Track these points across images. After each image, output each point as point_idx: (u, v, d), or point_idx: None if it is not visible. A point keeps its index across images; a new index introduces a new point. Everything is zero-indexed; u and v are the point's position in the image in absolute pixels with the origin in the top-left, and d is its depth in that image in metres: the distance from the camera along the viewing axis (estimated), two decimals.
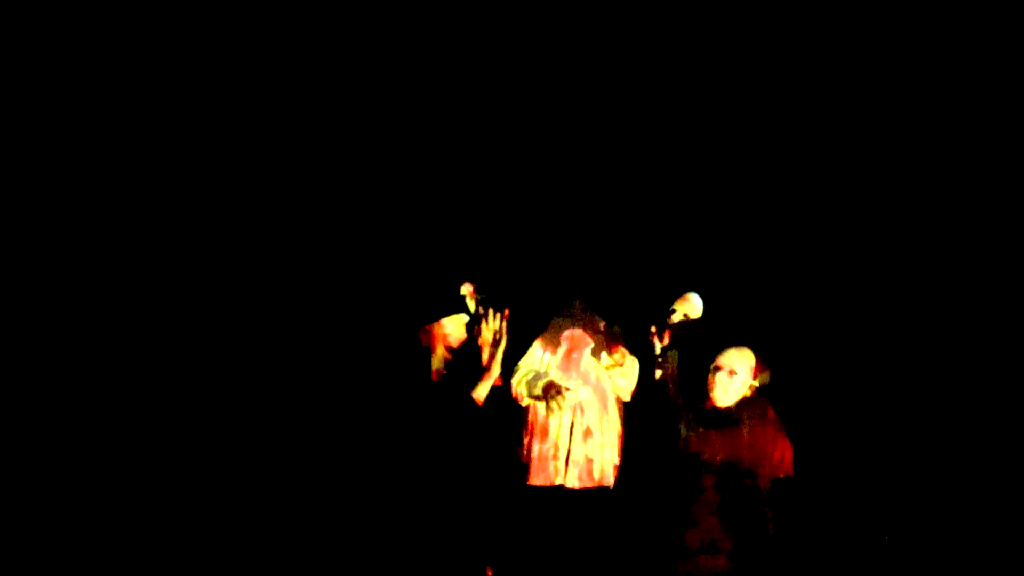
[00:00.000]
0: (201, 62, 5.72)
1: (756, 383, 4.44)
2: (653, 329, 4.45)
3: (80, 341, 5.52)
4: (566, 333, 5.01)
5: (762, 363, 4.47)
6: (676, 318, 4.53)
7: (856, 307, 5.79)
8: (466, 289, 4.55)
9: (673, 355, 4.45)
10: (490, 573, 4.32)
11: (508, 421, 4.98)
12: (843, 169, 5.81)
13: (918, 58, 5.70)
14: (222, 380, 5.57)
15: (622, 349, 4.90)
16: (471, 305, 4.40)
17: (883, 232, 5.78)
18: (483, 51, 5.86)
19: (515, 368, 4.94)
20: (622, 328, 5.03)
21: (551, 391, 4.75)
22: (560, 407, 4.75)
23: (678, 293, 4.91)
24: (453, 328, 4.32)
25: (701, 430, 4.35)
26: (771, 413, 4.41)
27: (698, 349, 4.56)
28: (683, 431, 4.37)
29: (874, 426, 5.67)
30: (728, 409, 4.41)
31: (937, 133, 5.73)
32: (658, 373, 4.45)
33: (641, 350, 4.73)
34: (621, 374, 4.90)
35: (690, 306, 4.82)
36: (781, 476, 4.35)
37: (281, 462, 5.36)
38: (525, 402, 4.91)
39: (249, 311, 5.69)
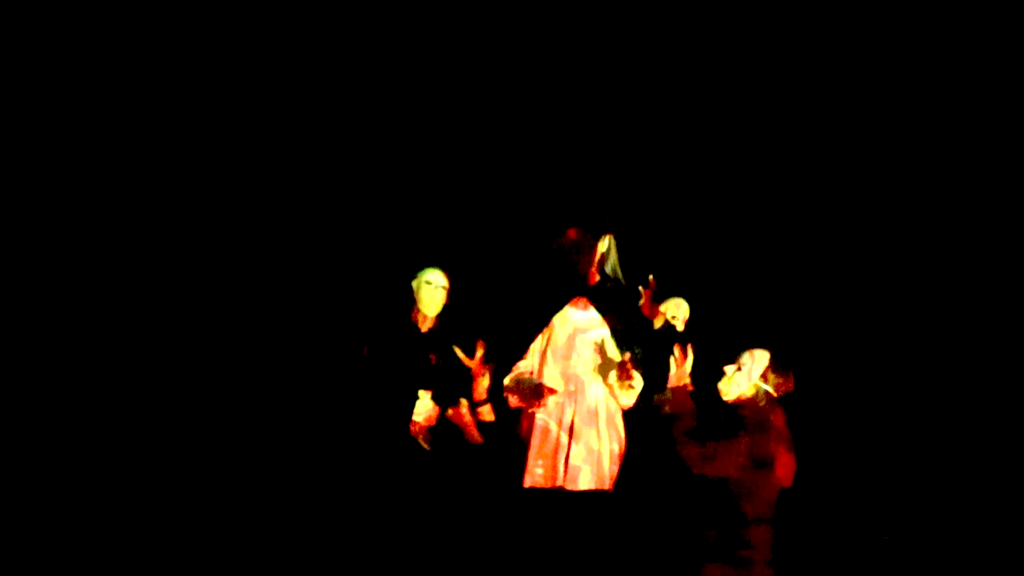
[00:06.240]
0: (175, 61, 5.74)
1: (766, 386, 4.36)
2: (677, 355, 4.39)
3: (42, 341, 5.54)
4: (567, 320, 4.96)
5: (780, 369, 4.39)
6: (658, 323, 4.50)
7: (854, 312, 5.80)
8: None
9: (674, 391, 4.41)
10: None
11: (507, 423, 4.96)
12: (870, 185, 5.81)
13: (918, 58, 5.71)
14: (205, 378, 5.59)
15: (631, 370, 4.84)
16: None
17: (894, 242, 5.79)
18: (465, 58, 5.88)
19: (511, 369, 4.92)
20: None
21: (538, 393, 4.73)
22: (542, 409, 4.73)
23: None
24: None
25: (704, 448, 4.30)
26: (777, 422, 4.33)
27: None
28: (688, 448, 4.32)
29: (873, 427, 5.68)
30: (732, 417, 4.35)
31: (937, 134, 5.73)
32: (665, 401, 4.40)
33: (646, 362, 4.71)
34: (625, 393, 4.85)
35: (674, 306, 4.80)
36: (780, 487, 4.32)
37: (281, 466, 5.36)
38: (513, 404, 4.87)
39: (231, 312, 5.71)
